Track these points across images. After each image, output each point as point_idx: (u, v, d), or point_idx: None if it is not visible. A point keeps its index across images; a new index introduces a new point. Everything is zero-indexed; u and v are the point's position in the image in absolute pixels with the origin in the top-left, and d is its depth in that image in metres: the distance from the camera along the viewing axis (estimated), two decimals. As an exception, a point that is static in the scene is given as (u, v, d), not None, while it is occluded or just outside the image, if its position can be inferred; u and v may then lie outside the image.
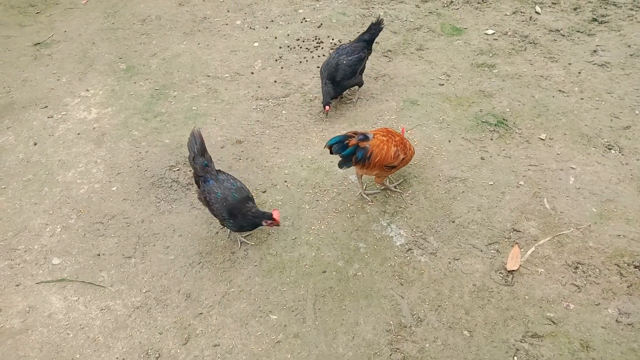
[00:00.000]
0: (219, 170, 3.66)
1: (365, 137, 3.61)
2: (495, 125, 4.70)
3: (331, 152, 3.58)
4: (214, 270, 3.67)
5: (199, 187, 3.62)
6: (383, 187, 4.15)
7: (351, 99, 5.13)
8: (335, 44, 5.89)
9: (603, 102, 4.88)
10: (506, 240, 3.78)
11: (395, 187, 4.18)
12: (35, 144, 4.78)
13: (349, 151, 3.54)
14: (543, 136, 4.57)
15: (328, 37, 6.00)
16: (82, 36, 6.25)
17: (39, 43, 6.14)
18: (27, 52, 6.01)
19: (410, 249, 3.75)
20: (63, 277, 3.67)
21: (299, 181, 4.29)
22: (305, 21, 6.29)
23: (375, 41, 5.02)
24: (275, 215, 3.54)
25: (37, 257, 3.82)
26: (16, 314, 3.48)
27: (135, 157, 4.59)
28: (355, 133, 3.62)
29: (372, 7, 6.46)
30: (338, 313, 3.40)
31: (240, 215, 3.51)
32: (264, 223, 3.54)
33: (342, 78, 4.69)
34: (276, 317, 3.39)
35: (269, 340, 3.27)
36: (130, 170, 4.47)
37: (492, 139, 4.58)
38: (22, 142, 4.81)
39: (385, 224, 3.92)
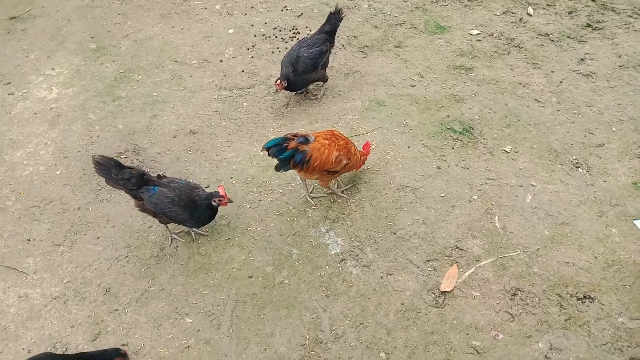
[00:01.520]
0: (159, 174, 3.50)
1: (305, 140, 3.44)
2: (460, 133, 4.47)
3: (269, 155, 3.42)
4: (139, 265, 3.57)
5: (139, 199, 3.39)
6: (329, 191, 3.98)
7: (316, 95, 4.93)
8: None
9: (580, 116, 4.60)
10: (446, 258, 3.59)
11: (342, 191, 4.00)
12: (-10, 121, 4.73)
13: (287, 154, 3.38)
14: (508, 148, 4.33)
15: (306, 27, 5.78)
16: (59, 12, 6.14)
17: (15, 17, 6.05)
18: (1, 25, 5.94)
19: (344, 259, 3.59)
20: (-14, 261, 3.62)
21: (245, 178, 4.15)
22: (286, 9, 6.08)
23: (337, 35, 4.79)
24: (221, 191, 3.39)
25: (-33, 238, 3.78)
26: None
27: (86, 141, 4.50)
28: (296, 135, 3.46)
29: (358, -1, 6.20)
30: (255, 322, 3.28)
31: (197, 209, 3.37)
32: (214, 203, 3.39)
33: (302, 71, 4.49)
34: (191, 320, 3.28)
35: (179, 345, 3.17)
36: (77, 155, 4.38)
37: (453, 148, 4.35)
38: (-22, 118, 4.76)
39: (324, 231, 3.77)
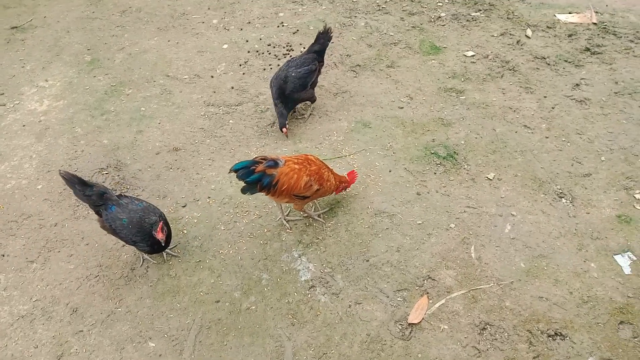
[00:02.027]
0: (120, 194, 3.51)
1: (274, 164, 3.42)
2: (444, 158, 4.40)
3: (237, 177, 3.40)
4: (108, 285, 3.58)
5: (100, 216, 3.44)
6: (306, 215, 3.95)
7: (303, 115, 4.92)
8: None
9: (569, 144, 4.50)
10: (417, 288, 3.53)
11: (319, 215, 3.97)
12: (-20, 132, 4.80)
13: (255, 177, 3.36)
14: (491, 175, 4.24)
15: (300, 44, 5.78)
16: (59, 23, 6.24)
17: (16, 27, 6.17)
18: (2, 35, 6.05)
19: (314, 287, 3.54)
20: (-39, 275, 3.66)
21: (223, 198, 4.14)
22: (282, 26, 6.08)
23: (325, 53, 4.76)
24: (158, 233, 3.32)
25: (-56, 251, 3.82)
26: None
27: (70, 156, 4.54)
28: (265, 158, 3.44)
29: (355, 17, 6.19)
30: (218, 348, 3.25)
31: (151, 235, 3.38)
32: (153, 233, 3.34)
33: (291, 91, 4.49)
34: (154, 344, 3.27)
35: (139, 369, 3.15)
36: (61, 169, 4.41)
37: (435, 173, 4.29)
38: (-32, 129, 4.84)
39: (296, 255, 3.73)
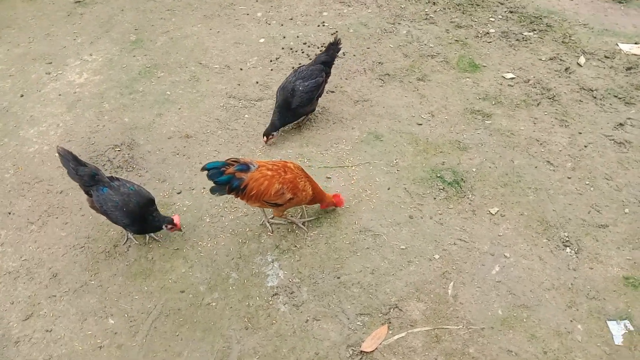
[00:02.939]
0: (112, 176, 3.66)
1: (246, 168, 3.42)
2: (449, 183, 4.19)
3: (207, 177, 3.44)
4: (90, 257, 3.76)
5: (90, 196, 3.59)
6: (290, 220, 3.92)
7: (311, 119, 4.85)
8: (338, 56, 5.58)
9: (592, 188, 4.12)
10: (381, 315, 3.40)
11: (303, 223, 3.92)
12: (22, 96, 5.19)
13: (224, 179, 3.38)
14: (494, 210, 3.98)
15: (341, 45, 5.69)
16: (117, 1, 6.58)
17: (79, 1, 6.58)
18: (66, 8, 6.47)
19: (277, 294, 3.52)
20: (-31, 226, 4.00)
21: (217, 191, 4.19)
22: (323, 25, 6.04)
23: (333, 64, 4.65)
24: (176, 220, 3.60)
25: (-38, 201, 4.19)
26: None
27: (92, 129, 4.80)
28: (237, 161, 3.44)
29: (399, 24, 6.01)
30: (170, 337, 3.32)
31: (142, 219, 3.53)
32: (164, 227, 3.60)
33: (297, 105, 4.42)
34: (113, 322, 3.40)
35: (94, 343, 3.30)
36: (80, 140, 4.69)
37: (435, 198, 4.09)
38: (13, 92, 5.25)
39: (270, 260, 3.72)
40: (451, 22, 5.97)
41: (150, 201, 3.60)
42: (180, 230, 3.73)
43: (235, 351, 3.24)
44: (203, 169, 3.40)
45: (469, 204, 4.05)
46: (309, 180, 3.63)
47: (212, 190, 3.45)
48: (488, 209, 4.00)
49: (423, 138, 4.60)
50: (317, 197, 3.68)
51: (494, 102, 4.93)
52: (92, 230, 3.95)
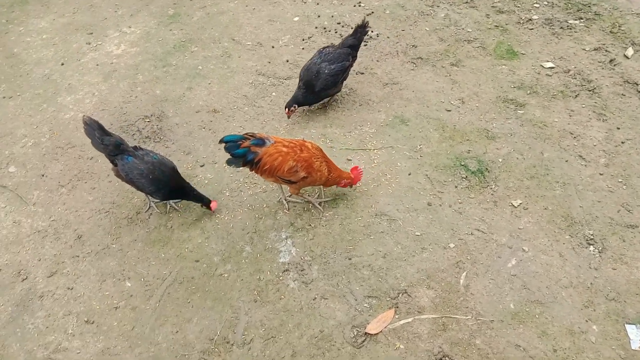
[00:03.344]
0: (136, 146, 3.76)
1: (261, 142, 3.46)
2: (472, 172, 4.09)
3: (225, 149, 3.49)
4: (113, 222, 3.91)
5: (115, 165, 3.69)
6: (306, 200, 3.94)
7: (336, 100, 4.81)
8: (371, 37, 5.52)
9: (624, 187, 3.93)
10: (389, 299, 3.39)
11: (320, 203, 3.93)
12: (62, 64, 5.39)
13: (240, 152, 3.44)
14: (517, 202, 3.87)
15: (370, 28, 5.61)
16: (160, -25, 6.67)
17: (123, -26, 6.71)
18: (110, -20, 6.63)
19: (288, 270, 3.56)
20: (5, 185, 4.22)
21: (239, 166, 4.25)
22: (359, 5, 5.95)
23: (359, 47, 4.56)
24: (213, 205, 3.77)
25: (1, 161, 4.42)
26: (-41, 202, 4.13)
27: (125, 99, 4.94)
28: (253, 135, 3.48)
29: (438, 6, 5.85)
30: (181, 304, 3.43)
31: (176, 187, 3.64)
32: (203, 206, 3.80)
33: (321, 88, 4.37)
34: (130, 285, 3.54)
35: (110, 303, 3.44)
36: (113, 110, 4.84)
37: (456, 187, 4.01)
38: (55, 60, 5.45)
39: (284, 237, 3.76)
40: (492, 6, 5.76)
41: (174, 170, 3.69)
42: (213, 212, 3.88)
43: (243, 322, 3.32)
44: (221, 141, 3.46)
45: (491, 194, 3.95)
46: (327, 161, 3.62)
47: (228, 162, 3.51)
48: (511, 201, 3.89)
49: (450, 125, 4.50)
50: (334, 179, 3.68)
51: (529, 92, 4.75)
52: (117, 196, 4.09)
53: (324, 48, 4.47)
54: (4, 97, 5.06)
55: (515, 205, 3.86)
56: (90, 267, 3.64)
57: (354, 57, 4.52)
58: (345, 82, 4.65)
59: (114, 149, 3.58)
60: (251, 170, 3.55)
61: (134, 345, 3.23)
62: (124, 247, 3.75)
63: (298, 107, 4.43)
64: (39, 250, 3.76)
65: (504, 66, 5.04)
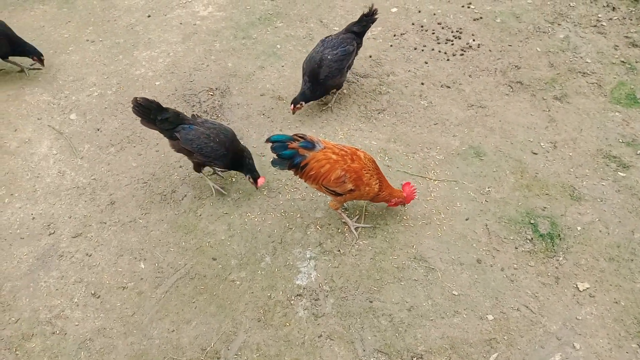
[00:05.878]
0: (193, 114, 3.62)
1: (311, 146, 3.18)
2: (541, 236, 3.51)
3: (271, 149, 3.24)
4: (147, 196, 3.83)
5: (175, 139, 3.53)
6: (343, 219, 3.60)
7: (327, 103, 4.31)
8: (471, 47, 4.90)
9: None
10: (400, 359, 3.01)
11: (357, 228, 3.58)
12: (149, 16, 5.35)
13: (288, 153, 3.18)
14: (583, 286, 3.27)
15: (472, 35, 5.00)
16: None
17: None
18: None
19: (301, 296, 3.29)
20: (62, 132, 4.28)
21: (285, 165, 3.98)
22: (468, 7, 5.31)
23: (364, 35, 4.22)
24: (260, 181, 3.58)
25: (65, 106, 4.49)
26: (17, 140, 4.25)
27: (196, 66, 4.81)
28: (303, 137, 3.18)
29: (559, 24, 5.07)
30: (186, 302, 3.29)
31: (235, 154, 3.53)
32: (249, 179, 3.61)
33: (326, 76, 4.03)
34: (144, 267, 3.45)
35: (119, 281, 3.39)
36: (181, 75, 4.73)
37: (516, 248, 3.46)
38: (143, 10, 5.43)
39: (308, 256, 3.47)
40: (626, 36, 4.87)
41: (234, 135, 3.59)
42: (257, 188, 3.69)
43: (240, 340, 3.12)
44: (268, 140, 3.22)
45: (556, 268, 3.36)
46: (379, 175, 3.28)
47: (273, 163, 3.27)
48: (577, 282, 3.28)
49: (532, 171, 3.88)
50: (384, 196, 3.32)
51: (639, 152, 3.97)
52: (159, 168, 4.00)
53: (325, 38, 4.19)
54: (87, 40, 5.12)
55: (581, 289, 3.25)
56: (113, 238, 3.60)
57: (359, 44, 4.20)
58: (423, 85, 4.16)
59: (175, 120, 3.44)
60: (296, 174, 3.31)
61: (128, 333, 3.15)
62: (150, 225, 3.66)
63: (305, 103, 4.13)
64: (72, 208, 3.78)
65: (617, 113, 4.25)
